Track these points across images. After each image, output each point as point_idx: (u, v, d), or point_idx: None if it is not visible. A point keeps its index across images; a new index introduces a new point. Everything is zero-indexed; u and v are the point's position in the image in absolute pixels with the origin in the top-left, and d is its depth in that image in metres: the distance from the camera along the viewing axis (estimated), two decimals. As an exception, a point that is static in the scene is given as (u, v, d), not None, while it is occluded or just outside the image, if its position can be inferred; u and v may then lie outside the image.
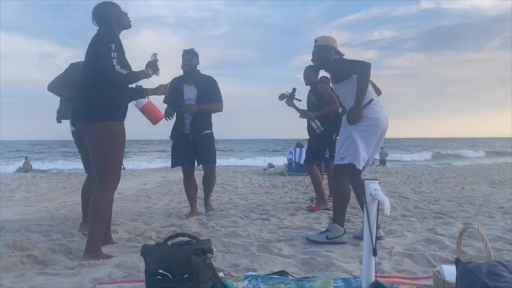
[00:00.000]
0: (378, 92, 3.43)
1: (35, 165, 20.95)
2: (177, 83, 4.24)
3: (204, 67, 5.37)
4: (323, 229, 3.50)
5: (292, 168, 10.31)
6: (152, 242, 3.04)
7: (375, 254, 1.43)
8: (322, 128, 4.50)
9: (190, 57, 4.22)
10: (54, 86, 3.53)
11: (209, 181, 4.45)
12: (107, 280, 2.23)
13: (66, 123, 3.60)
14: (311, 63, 3.59)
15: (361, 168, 3.11)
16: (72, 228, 3.73)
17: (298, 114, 4.82)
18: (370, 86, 3.13)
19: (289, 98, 4.71)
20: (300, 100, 4.79)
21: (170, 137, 4.39)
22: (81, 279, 2.24)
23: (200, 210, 4.54)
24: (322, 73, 4.72)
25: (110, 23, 2.85)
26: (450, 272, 1.79)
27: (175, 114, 4.24)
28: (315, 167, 4.92)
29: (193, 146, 4.25)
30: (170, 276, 1.76)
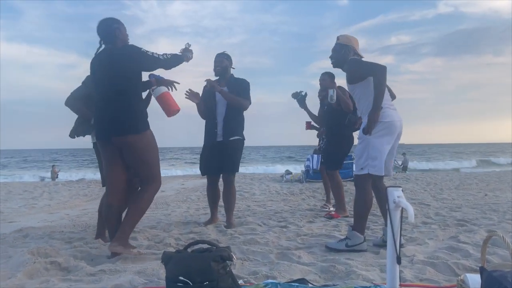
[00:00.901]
0: (393, 97, 3.40)
1: (62, 175, 21.32)
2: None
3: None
4: (342, 237, 3.47)
5: (310, 175, 10.26)
6: (172, 249, 3.07)
7: (399, 262, 1.41)
8: (335, 99, 4.31)
9: (221, 59, 4.20)
10: (68, 101, 3.54)
11: (229, 193, 4.21)
12: (128, 286, 2.26)
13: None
14: (328, 70, 3.61)
15: (382, 174, 3.10)
16: (94, 235, 3.79)
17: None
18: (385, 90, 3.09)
19: (301, 99, 4.95)
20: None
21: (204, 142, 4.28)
22: (103, 285, 2.27)
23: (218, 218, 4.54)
24: (338, 81, 4.74)
25: (116, 40, 3.00)
26: (474, 281, 1.76)
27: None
28: (337, 174, 4.89)
29: (220, 152, 4.12)
30: (191, 283, 1.78)
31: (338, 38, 3.33)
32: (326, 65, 3.53)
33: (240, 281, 2.23)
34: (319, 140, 5.65)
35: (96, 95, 3.07)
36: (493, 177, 10.94)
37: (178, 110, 3.39)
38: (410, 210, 1.33)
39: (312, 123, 5.54)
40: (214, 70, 4.23)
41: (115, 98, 2.91)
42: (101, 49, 3.06)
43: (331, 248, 3.08)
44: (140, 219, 3.07)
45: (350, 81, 3.23)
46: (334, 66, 3.38)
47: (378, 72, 2.99)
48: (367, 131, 3.02)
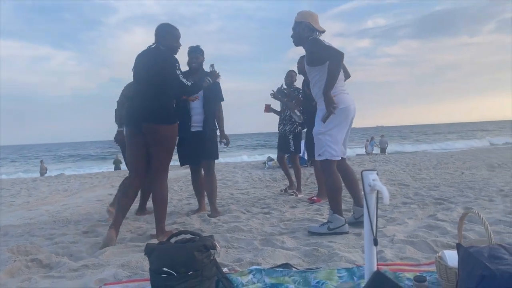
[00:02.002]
0: (347, 76, 3.39)
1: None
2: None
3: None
4: (324, 220, 3.52)
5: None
6: (155, 241, 3.05)
7: (376, 244, 1.44)
8: (303, 119, 4.62)
9: (197, 55, 4.21)
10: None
11: (210, 180, 4.28)
12: (112, 280, 2.25)
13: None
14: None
15: (340, 158, 3.20)
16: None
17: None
18: (340, 75, 3.13)
19: (281, 94, 5.25)
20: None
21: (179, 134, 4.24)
22: (87, 280, 2.25)
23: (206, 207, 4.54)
24: None
25: (173, 48, 3.35)
26: (452, 257, 1.81)
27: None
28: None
29: (198, 143, 4.17)
30: (175, 274, 1.77)
31: (296, 17, 3.30)
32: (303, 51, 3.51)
33: (225, 269, 2.24)
34: (279, 125, 5.65)
35: (135, 86, 3.36)
36: (469, 155, 11.23)
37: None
38: (385, 192, 1.35)
39: (272, 106, 5.59)
40: (189, 65, 4.22)
41: (153, 92, 3.20)
42: (152, 46, 3.31)
43: (314, 232, 3.13)
44: (166, 206, 3.33)
45: (308, 62, 3.23)
46: (295, 45, 3.35)
47: (334, 57, 2.98)
48: (327, 117, 3.06)
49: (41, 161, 20.18)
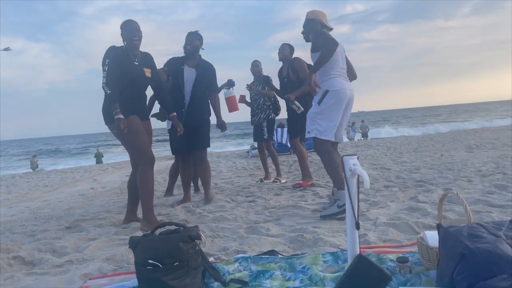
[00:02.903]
0: (353, 77, 3.59)
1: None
2: (177, 62, 4.18)
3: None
4: (309, 206, 3.56)
5: (275, 149, 10.34)
6: (140, 233, 3.03)
7: (358, 227, 1.46)
8: (303, 109, 4.45)
9: (193, 38, 4.16)
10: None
11: (205, 168, 4.33)
12: (97, 274, 2.23)
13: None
14: (287, 41, 3.71)
15: (332, 139, 3.30)
16: (57, 225, 3.68)
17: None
18: (341, 63, 3.35)
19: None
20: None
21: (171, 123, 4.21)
22: (71, 276, 2.22)
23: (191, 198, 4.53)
24: (297, 53, 4.80)
25: (125, 41, 3.41)
26: (433, 237, 1.85)
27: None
28: (299, 143, 4.97)
29: (191, 131, 4.17)
30: (160, 266, 1.77)
31: (306, 14, 3.52)
32: (285, 37, 3.72)
33: (211, 258, 2.24)
34: (252, 116, 5.67)
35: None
36: (448, 138, 11.46)
37: (237, 110, 4.86)
38: (366, 177, 1.37)
39: (247, 98, 5.61)
40: (184, 48, 4.16)
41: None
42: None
43: (326, 215, 3.14)
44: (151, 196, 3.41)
45: (312, 49, 3.37)
46: (306, 41, 3.55)
47: (326, 48, 3.15)
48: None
49: (33, 156, 19.75)
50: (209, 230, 3.03)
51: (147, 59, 3.56)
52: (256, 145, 12.80)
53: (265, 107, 5.47)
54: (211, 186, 5.64)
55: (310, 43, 3.46)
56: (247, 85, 5.46)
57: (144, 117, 3.56)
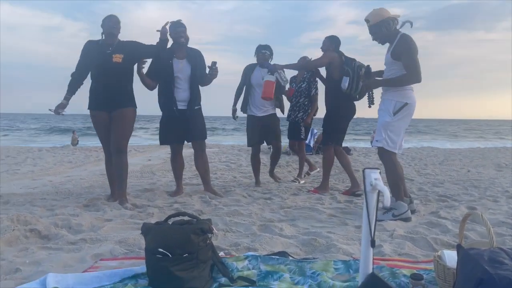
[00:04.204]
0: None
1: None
2: (165, 57, 4.02)
3: (210, 42, 5.26)
4: (326, 210, 3.52)
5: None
6: (154, 219, 3.06)
7: (373, 245, 1.41)
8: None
9: (184, 29, 4.05)
10: None
11: (205, 159, 4.31)
12: (109, 256, 2.25)
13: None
14: (320, 40, 3.69)
15: (397, 152, 3.36)
16: (76, 203, 3.75)
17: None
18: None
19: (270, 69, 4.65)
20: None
21: (163, 113, 4.23)
22: (83, 254, 2.26)
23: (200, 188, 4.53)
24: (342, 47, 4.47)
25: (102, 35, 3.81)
26: (451, 257, 1.78)
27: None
28: (331, 149, 4.54)
29: (184, 122, 4.10)
30: (170, 255, 1.76)
31: (368, 21, 3.35)
32: (318, 35, 3.60)
33: (221, 253, 2.24)
34: (289, 112, 5.52)
35: None
36: (477, 154, 11.11)
37: (271, 99, 4.60)
38: (387, 193, 1.31)
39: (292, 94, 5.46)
40: (177, 40, 4.03)
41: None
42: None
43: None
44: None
45: (394, 56, 3.25)
46: (383, 43, 3.41)
47: (410, 76, 3.14)
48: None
49: (74, 132, 20.21)
50: (223, 223, 3.03)
51: (124, 45, 3.77)
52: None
53: (306, 108, 5.35)
54: (230, 179, 5.67)
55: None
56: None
57: (113, 106, 3.73)
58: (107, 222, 3.03)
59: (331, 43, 4.46)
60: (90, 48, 3.76)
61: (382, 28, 3.27)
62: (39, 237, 2.62)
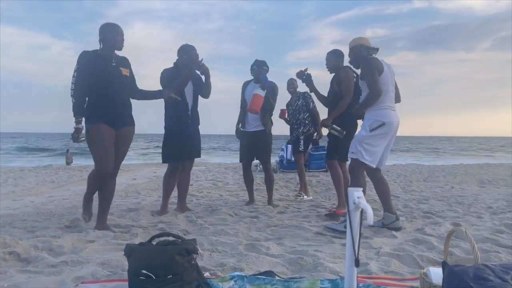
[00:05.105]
0: (398, 100, 3.71)
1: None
2: (173, 76, 4.10)
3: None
4: (312, 228, 3.51)
5: (283, 165, 10.29)
6: (139, 240, 3.00)
7: (357, 265, 1.39)
8: (344, 132, 4.02)
9: (190, 49, 4.21)
10: None
11: (189, 177, 4.51)
12: (90, 279, 2.19)
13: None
14: (310, 58, 3.85)
15: (373, 166, 3.49)
16: (58, 224, 3.66)
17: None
18: (391, 90, 3.52)
19: (307, 79, 4.56)
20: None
21: (169, 129, 4.28)
22: (64, 278, 2.19)
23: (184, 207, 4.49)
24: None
25: (100, 43, 3.42)
26: (437, 274, 1.78)
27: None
28: (336, 164, 4.46)
29: (188, 139, 4.27)
30: (154, 277, 1.73)
31: (349, 44, 3.70)
32: (304, 55, 3.79)
33: (206, 273, 2.20)
34: (291, 132, 5.65)
35: None
36: (460, 170, 11.28)
37: (257, 112, 4.55)
38: (370, 212, 1.31)
39: (286, 115, 5.60)
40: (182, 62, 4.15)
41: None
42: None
43: (332, 229, 3.40)
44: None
45: (361, 77, 3.57)
46: (356, 68, 3.79)
47: (371, 92, 3.39)
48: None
49: (67, 151, 19.81)
50: (208, 243, 2.98)
51: (125, 61, 3.60)
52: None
53: (306, 122, 5.46)
54: (216, 197, 5.63)
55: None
56: (301, 70, 4.65)
57: (120, 124, 3.44)
58: (90, 244, 2.96)
59: (337, 59, 4.34)
60: (90, 60, 3.33)
61: (355, 50, 3.61)
62: (18, 259, 2.54)
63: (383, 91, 3.39)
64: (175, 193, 4.61)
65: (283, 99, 5.64)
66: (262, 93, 4.51)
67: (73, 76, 3.27)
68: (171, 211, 4.37)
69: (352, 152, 3.52)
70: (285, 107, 5.65)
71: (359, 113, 3.72)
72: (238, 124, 4.96)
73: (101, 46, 3.41)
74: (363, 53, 3.55)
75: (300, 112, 5.43)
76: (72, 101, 3.28)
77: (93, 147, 3.37)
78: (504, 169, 11.93)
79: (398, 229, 3.44)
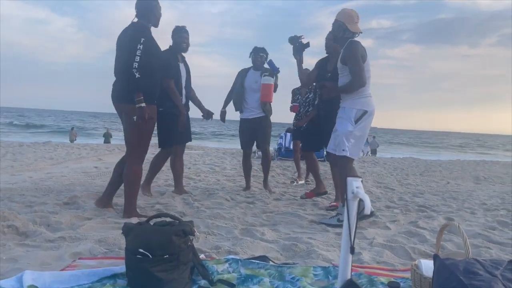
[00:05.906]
0: None
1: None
2: (172, 58, 4.13)
3: (197, 44, 5.30)
4: (308, 216, 3.54)
5: (282, 153, 10.34)
6: (136, 219, 3.03)
7: (352, 252, 1.43)
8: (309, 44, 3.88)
9: (187, 36, 4.25)
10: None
11: (182, 161, 4.56)
12: (88, 255, 2.23)
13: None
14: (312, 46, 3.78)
15: (355, 158, 3.44)
16: (56, 200, 3.69)
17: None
18: (370, 78, 3.34)
19: (299, 47, 3.92)
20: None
21: (166, 112, 4.13)
22: (61, 253, 2.23)
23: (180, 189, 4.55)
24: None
25: (147, 20, 3.21)
26: (428, 266, 1.82)
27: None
28: (314, 156, 4.65)
29: (187, 125, 4.37)
30: (150, 256, 1.76)
31: (336, 15, 3.44)
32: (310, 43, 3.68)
33: (202, 255, 2.23)
34: (294, 120, 5.66)
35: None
36: (456, 166, 11.33)
37: (270, 102, 4.68)
38: (367, 202, 1.34)
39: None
40: (180, 45, 4.22)
41: (118, 68, 3.15)
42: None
43: (325, 223, 3.31)
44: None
45: (341, 61, 3.34)
46: (335, 42, 3.61)
47: (355, 82, 3.22)
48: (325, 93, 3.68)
49: (72, 128, 19.90)
50: (204, 226, 3.02)
51: None
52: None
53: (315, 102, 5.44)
54: (213, 182, 5.67)
55: None
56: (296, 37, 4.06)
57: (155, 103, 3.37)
58: (87, 221, 3.00)
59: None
60: (152, 38, 3.21)
61: (334, 25, 3.39)
62: (17, 233, 2.58)
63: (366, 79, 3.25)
64: (171, 175, 4.67)
65: (289, 86, 5.68)
66: (271, 80, 4.52)
67: (138, 49, 2.99)
68: (168, 192, 4.40)
69: (343, 150, 3.30)
70: (297, 104, 5.64)
71: (339, 91, 3.42)
72: (224, 108, 4.97)
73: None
74: (339, 33, 3.36)
75: (310, 106, 5.44)
76: (136, 75, 2.98)
77: (138, 129, 3.14)
78: (500, 166, 12.00)
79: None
